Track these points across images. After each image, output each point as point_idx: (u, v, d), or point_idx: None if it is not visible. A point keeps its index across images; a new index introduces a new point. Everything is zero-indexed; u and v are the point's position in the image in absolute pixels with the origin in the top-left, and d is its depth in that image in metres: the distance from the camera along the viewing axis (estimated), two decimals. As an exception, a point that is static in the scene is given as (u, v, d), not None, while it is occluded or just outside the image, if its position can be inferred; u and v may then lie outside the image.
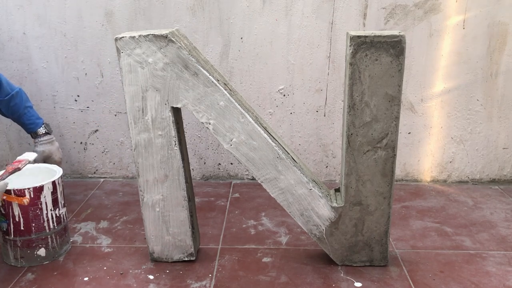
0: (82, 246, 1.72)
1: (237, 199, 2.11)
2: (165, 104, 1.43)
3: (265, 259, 1.63)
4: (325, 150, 2.26)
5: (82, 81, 2.21)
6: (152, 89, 1.42)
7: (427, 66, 2.12)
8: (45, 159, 1.92)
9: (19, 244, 1.57)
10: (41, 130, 1.91)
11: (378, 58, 1.36)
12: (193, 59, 1.39)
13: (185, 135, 1.62)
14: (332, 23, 2.08)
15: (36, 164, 1.75)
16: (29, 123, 1.90)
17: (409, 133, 2.22)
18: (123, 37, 1.38)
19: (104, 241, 1.75)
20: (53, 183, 1.58)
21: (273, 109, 2.20)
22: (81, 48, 2.16)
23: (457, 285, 1.48)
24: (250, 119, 1.43)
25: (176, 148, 1.47)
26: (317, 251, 1.66)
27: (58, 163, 1.93)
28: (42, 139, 1.92)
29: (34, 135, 1.92)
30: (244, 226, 1.87)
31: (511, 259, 1.63)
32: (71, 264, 1.61)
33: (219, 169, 2.31)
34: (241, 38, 2.12)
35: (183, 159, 1.50)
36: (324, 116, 2.21)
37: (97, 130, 2.28)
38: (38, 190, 1.54)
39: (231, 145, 1.46)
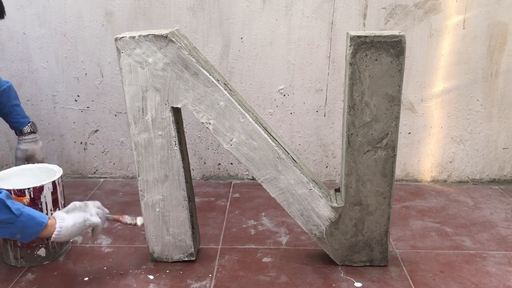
0: (82, 246, 1.72)
1: (237, 199, 2.11)
2: (165, 104, 1.43)
3: (265, 259, 1.63)
4: (325, 150, 2.26)
5: (82, 81, 2.21)
6: (152, 89, 1.42)
7: (427, 66, 2.12)
8: (28, 158, 1.88)
9: (19, 244, 1.57)
10: (27, 128, 1.89)
11: (378, 58, 1.36)
12: (193, 59, 1.39)
13: (185, 135, 1.62)
14: (332, 23, 2.08)
15: (36, 164, 1.75)
16: (14, 121, 1.87)
17: (409, 133, 2.22)
18: (123, 37, 1.38)
19: (104, 241, 1.75)
20: (53, 183, 1.58)
21: (273, 109, 2.20)
22: (81, 48, 2.16)
23: (457, 285, 1.48)
24: (250, 119, 1.43)
25: (176, 148, 1.47)
26: (317, 251, 1.66)
27: (40, 163, 1.91)
28: (26, 137, 1.89)
29: (19, 133, 1.90)
30: (244, 226, 1.87)
31: (511, 259, 1.63)
32: (71, 264, 1.61)
33: (219, 169, 2.31)
34: (241, 38, 2.12)
35: (183, 159, 1.50)
36: (324, 116, 2.21)
37: (97, 130, 2.28)
38: (38, 190, 1.54)
39: (231, 145, 1.46)
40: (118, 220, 1.54)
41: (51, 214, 1.58)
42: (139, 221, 1.55)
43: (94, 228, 1.41)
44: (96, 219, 1.40)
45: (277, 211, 1.97)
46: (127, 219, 1.54)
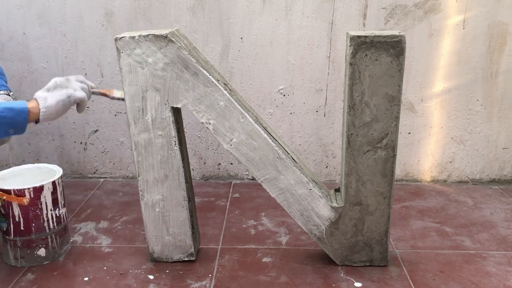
0: (82, 246, 1.72)
1: (237, 199, 2.11)
2: (165, 104, 1.43)
3: (265, 259, 1.63)
4: (325, 150, 2.26)
5: (82, 81, 2.20)
6: (152, 89, 1.42)
7: (427, 66, 2.12)
8: None
9: (19, 244, 1.57)
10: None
11: (378, 58, 1.36)
12: (193, 59, 1.39)
13: (185, 135, 1.62)
14: (332, 23, 2.08)
15: (35, 164, 1.75)
16: None
17: (409, 133, 2.22)
18: (123, 37, 1.38)
19: (104, 241, 1.75)
20: (53, 183, 1.58)
21: (273, 109, 2.20)
22: (81, 48, 2.16)
23: (457, 285, 1.48)
24: (250, 119, 1.43)
25: (176, 148, 1.47)
26: (317, 251, 1.66)
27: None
28: None
29: None
30: (244, 226, 1.87)
31: (511, 259, 1.63)
32: (71, 264, 1.61)
33: (219, 169, 2.31)
34: (241, 38, 2.12)
35: (183, 159, 1.50)
36: (324, 116, 2.21)
37: (97, 130, 2.28)
38: (38, 190, 1.54)
39: (231, 145, 1.46)
40: (105, 95, 1.44)
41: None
42: (120, 94, 1.45)
43: (79, 103, 1.34)
44: (80, 94, 1.32)
45: (277, 211, 1.97)
46: (115, 93, 1.44)
